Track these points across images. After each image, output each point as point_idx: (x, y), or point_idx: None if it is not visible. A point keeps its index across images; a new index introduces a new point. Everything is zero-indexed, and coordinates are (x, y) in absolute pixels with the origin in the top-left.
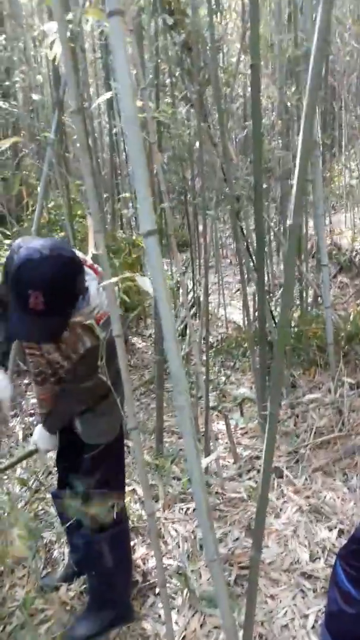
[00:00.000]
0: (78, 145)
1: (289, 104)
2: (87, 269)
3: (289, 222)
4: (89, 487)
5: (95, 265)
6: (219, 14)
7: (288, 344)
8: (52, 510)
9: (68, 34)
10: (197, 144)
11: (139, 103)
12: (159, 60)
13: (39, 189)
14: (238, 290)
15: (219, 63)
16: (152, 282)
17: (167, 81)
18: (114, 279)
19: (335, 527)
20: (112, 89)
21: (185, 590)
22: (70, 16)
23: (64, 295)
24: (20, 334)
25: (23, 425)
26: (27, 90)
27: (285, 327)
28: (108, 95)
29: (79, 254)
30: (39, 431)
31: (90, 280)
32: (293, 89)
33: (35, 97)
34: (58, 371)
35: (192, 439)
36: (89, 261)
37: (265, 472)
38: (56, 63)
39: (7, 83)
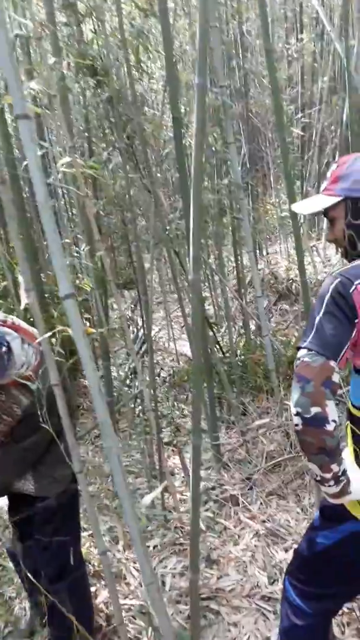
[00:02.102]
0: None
1: (213, 148)
2: (6, 330)
3: (189, 276)
4: (45, 536)
5: (17, 322)
6: (140, 70)
7: (235, 374)
8: (10, 564)
9: None
10: (130, 191)
11: (67, 159)
12: (88, 114)
13: None
14: (184, 325)
15: (145, 115)
16: (75, 339)
17: (99, 134)
18: (48, 334)
19: (291, 548)
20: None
21: (150, 629)
22: None
23: None
24: None
25: None
26: None
27: (197, 375)
28: (39, 152)
29: None
30: None
31: (12, 340)
32: (217, 133)
33: None
34: None
35: (122, 476)
36: (10, 320)
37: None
38: None
39: None
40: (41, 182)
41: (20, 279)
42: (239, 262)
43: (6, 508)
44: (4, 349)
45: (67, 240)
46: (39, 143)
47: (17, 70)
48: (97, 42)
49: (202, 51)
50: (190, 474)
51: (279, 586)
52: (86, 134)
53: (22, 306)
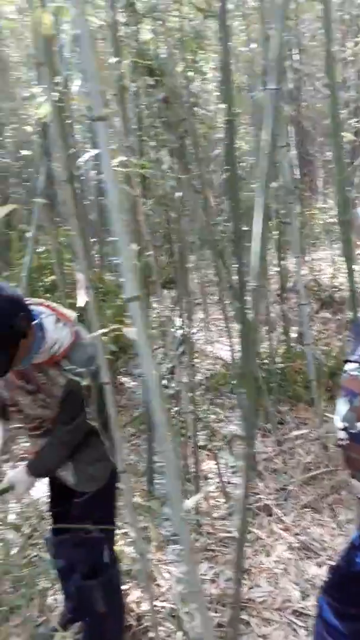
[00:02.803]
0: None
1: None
2: (40, 308)
3: (251, 284)
4: (81, 532)
5: (53, 305)
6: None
7: (273, 381)
8: (46, 556)
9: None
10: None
11: (122, 158)
12: (142, 114)
13: (27, 234)
14: (224, 328)
15: (197, 115)
16: (137, 342)
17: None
18: (102, 331)
19: (325, 564)
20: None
21: (180, 633)
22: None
23: (4, 332)
24: None
25: None
26: (18, 143)
27: (249, 381)
28: (94, 152)
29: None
30: (20, 472)
31: (45, 317)
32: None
33: (25, 152)
34: (43, 425)
35: (176, 482)
36: (46, 303)
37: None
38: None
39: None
40: (114, 182)
41: (79, 276)
42: (282, 267)
43: (44, 498)
44: (40, 321)
45: (114, 239)
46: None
47: (98, 74)
48: (154, 42)
49: (278, 57)
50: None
51: (311, 602)
52: (138, 134)
53: (81, 303)
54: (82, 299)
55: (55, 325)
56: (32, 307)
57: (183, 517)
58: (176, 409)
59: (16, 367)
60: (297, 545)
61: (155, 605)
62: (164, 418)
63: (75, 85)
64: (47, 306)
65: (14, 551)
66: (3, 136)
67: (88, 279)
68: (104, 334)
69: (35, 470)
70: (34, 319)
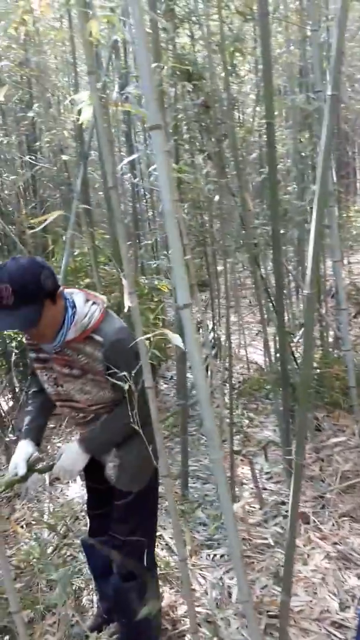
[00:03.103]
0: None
1: (302, 153)
2: (71, 289)
3: (305, 291)
4: (121, 535)
5: (84, 290)
6: (234, 74)
7: (310, 387)
8: (81, 556)
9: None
10: (217, 196)
11: None
12: (179, 118)
13: (64, 237)
14: (259, 332)
15: (235, 119)
16: (189, 351)
17: (187, 136)
18: (146, 336)
19: None
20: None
21: (215, 639)
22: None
23: (31, 286)
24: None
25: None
26: (55, 149)
27: (306, 388)
28: (132, 157)
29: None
30: (72, 446)
31: (75, 294)
32: (307, 135)
33: (64, 157)
34: (101, 410)
35: (226, 490)
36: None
37: (292, 522)
38: (84, 127)
39: (37, 143)
40: (169, 190)
41: (124, 281)
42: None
43: (78, 499)
44: (72, 298)
45: (148, 242)
46: (134, 145)
47: (154, 83)
48: (193, 46)
49: (337, 62)
50: (291, 495)
51: (350, 613)
52: (175, 137)
53: (126, 309)
54: (127, 303)
55: (85, 302)
56: (64, 291)
57: (235, 525)
58: None
59: (53, 345)
60: (335, 554)
61: (194, 611)
62: (215, 428)
63: (115, 92)
64: (78, 289)
65: (49, 550)
66: (41, 141)
67: (132, 283)
68: (148, 339)
69: (89, 445)
70: (66, 298)
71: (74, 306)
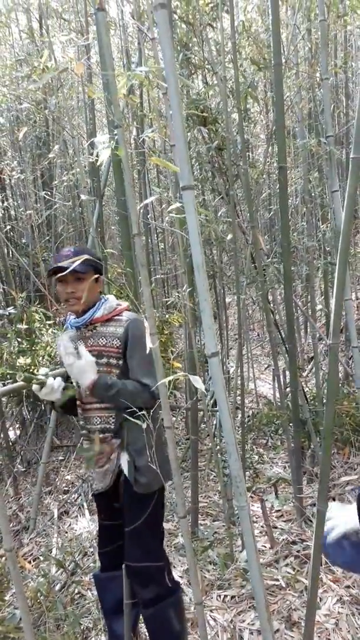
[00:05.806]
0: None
1: (312, 193)
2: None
3: (329, 341)
4: (136, 561)
5: None
6: (246, 118)
7: (321, 423)
8: (89, 594)
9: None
10: (229, 235)
11: (178, 205)
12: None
13: None
14: (269, 365)
15: (247, 161)
16: (217, 397)
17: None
18: (167, 378)
19: None
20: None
21: None
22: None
23: (94, 258)
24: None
25: (57, 503)
26: (70, 184)
27: (328, 439)
28: (150, 199)
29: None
30: (89, 368)
31: (109, 296)
32: (316, 175)
33: (83, 197)
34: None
35: (252, 539)
36: None
37: (313, 575)
38: (101, 168)
39: (55, 182)
40: (199, 247)
41: (145, 323)
42: (329, 307)
43: (85, 534)
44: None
45: (160, 276)
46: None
47: (187, 144)
48: (207, 92)
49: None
50: (313, 539)
51: None
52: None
53: (147, 350)
54: (148, 344)
55: (115, 300)
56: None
57: (259, 570)
58: (218, 447)
59: (83, 318)
60: (348, 598)
61: None
62: (241, 472)
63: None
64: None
65: (57, 587)
66: (58, 179)
67: (154, 325)
68: (169, 382)
69: (101, 386)
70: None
71: (106, 300)
